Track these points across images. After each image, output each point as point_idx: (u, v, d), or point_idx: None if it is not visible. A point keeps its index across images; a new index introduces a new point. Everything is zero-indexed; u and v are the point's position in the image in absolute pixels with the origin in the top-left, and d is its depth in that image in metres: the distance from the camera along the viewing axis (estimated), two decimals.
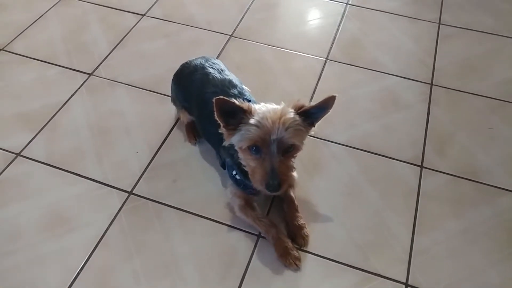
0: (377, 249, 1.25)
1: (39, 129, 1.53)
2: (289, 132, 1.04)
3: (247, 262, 1.21)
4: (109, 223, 1.29)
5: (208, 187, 1.38)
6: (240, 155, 1.11)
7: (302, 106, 1.08)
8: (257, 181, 1.07)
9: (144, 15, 2.02)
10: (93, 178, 1.40)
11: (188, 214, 1.31)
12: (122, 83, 1.70)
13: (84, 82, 1.71)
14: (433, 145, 1.51)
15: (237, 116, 1.06)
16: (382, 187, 1.39)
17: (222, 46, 1.87)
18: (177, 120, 1.56)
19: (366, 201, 1.36)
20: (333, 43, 1.90)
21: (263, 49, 1.86)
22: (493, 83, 1.74)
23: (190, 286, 1.16)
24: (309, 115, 1.09)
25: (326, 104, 1.07)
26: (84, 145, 1.49)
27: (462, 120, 1.60)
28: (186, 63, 1.43)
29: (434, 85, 1.73)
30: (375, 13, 2.07)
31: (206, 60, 1.38)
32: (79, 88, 1.68)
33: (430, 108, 1.64)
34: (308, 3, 2.12)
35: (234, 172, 1.22)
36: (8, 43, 1.86)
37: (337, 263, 1.21)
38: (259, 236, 1.26)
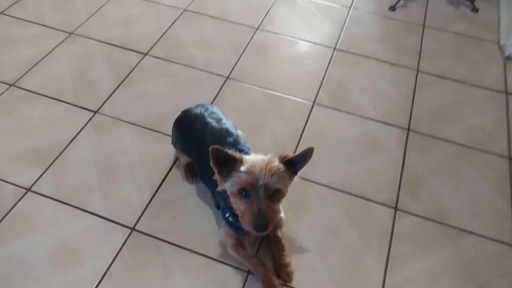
0: (354, 284, 1.40)
1: (48, 165, 1.67)
2: (275, 178, 1.18)
3: None
4: (113, 258, 1.42)
5: (204, 224, 1.53)
6: (231, 199, 1.26)
7: (286, 156, 1.23)
8: (246, 222, 1.21)
9: (146, 54, 2.17)
10: (98, 214, 1.53)
11: (185, 250, 1.45)
12: (125, 121, 1.85)
13: (90, 119, 1.85)
14: (407, 189, 1.69)
15: (230, 164, 1.21)
16: (360, 228, 1.55)
17: (219, 87, 2.03)
18: (176, 159, 1.71)
19: (346, 240, 1.52)
20: (320, 87, 2.07)
21: (257, 91, 2.03)
22: (462, 130, 1.93)
23: None
24: (292, 165, 1.24)
25: (306, 155, 1.22)
26: (90, 181, 1.63)
27: (434, 165, 1.78)
28: (187, 110, 1.57)
29: (411, 130, 1.91)
30: (359, 59, 2.25)
31: (206, 110, 1.53)
32: (85, 125, 1.82)
33: (406, 153, 1.82)
34: (299, 48, 2.30)
35: (227, 215, 1.36)
36: (18, 79, 1.99)
37: None
38: (248, 272, 1.40)
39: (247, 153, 1.35)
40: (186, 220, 1.53)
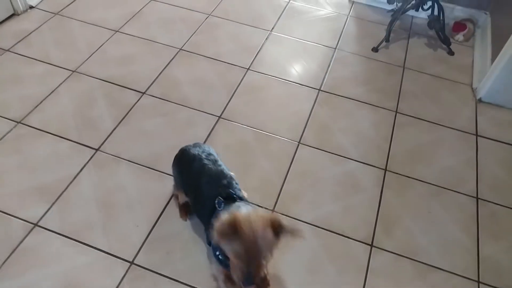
0: None
1: (53, 201, 1.80)
2: (266, 248, 1.26)
3: None
4: None
5: (198, 258, 1.67)
6: (224, 247, 1.32)
7: (278, 226, 1.28)
8: (235, 276, 1.31)
9: (144, 93, 2.34)
10: (100, 248, 1.67)
11: (179, 283, 1.59)
12: (124, 159, 2.00)
13: (92, 157, 1.99)
14: (382, 226, 1.85)
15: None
16: (338, 263, 1.71)
17: (212, 127, 2.19)
18: (171, 196, 1.86)
19: (325, 276, 1.67)
20: (305, 127, 2.25)
21: (246, 130, 2.20)
22: (435, 170, 2.11)
23: None
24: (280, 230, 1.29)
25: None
26: (92, 217, 1.77)
27: (408, 204, 1.95)
28: (185, 150, 1.65)
29: (388, 170, 2.09)
30: (342, 100, 2.44)
31: (203, 151, 1.63)
32: (87, 163, 1.97)
33: (383, 192, 1.99)
34: (286, 88, 2.47)
35: (217, 253, 1.50)
36: (25, 116, 2.14)
37: None
38: None
39: (238, 197, 1.47)
40: (180, 255, 1.68)
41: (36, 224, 1.72)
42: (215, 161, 1.61)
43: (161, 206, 1.84)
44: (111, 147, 2.05)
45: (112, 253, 1.66)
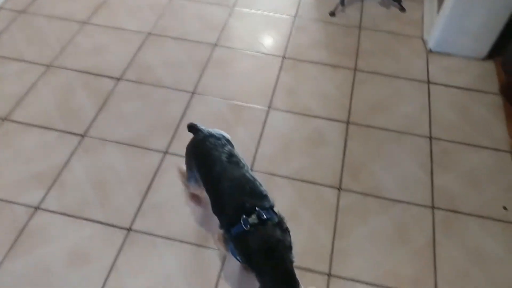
0: (310, 253, 1.79)
1: (49, 186, 1.97)
2: None
3: (218, 273, 1.72)
4: (116, 254, 1.76)
5: (188, 219, 1.88)
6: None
7: None
8: None
9: (119, 79, 2.48)
10: (99, 220, 1.86)
11: (175, 241, 1.81)
12: (110, 141, 2.17)
13: (79, 143, 2.16)
14: (348, 172, 2.08)
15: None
16: (313, 208, 1.94)
17: (187, 103, 2.36)
18: (158, 168, 2.05)
19: (302, 220, 1.90)
20: (273, 93, 2.44)
21: (219, 102, 2.38)
22: (393, 118, 2.34)
23: None
24: None
25: None
26: (87, 196, 1.95)
27: (370, 150, 2.18)
28: (205, 137, 1.54)
29: (350, 123, 2.31)
30: (305, 64, 2.63)
31: (219, 141, 1.53)
32: (76, 148, 2.13)
33: (347, 143, 2.21)
34: (253, 59, 2.64)
35: (237, 257, 1.44)
36: (9, 113, 2.27)
37: None
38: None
39: (270, 207, 1.39)
40: (172, 217, 1.88)
41: (37, 208, 1.90)
42: (237, 163, 1.48)
43: (149, 179, 2.02)
44: (96, 132, 2.21)
45: (110, 223, 1.85)
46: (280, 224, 1.35)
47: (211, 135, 1.55)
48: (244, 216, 1.31)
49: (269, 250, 1.29)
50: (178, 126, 2.25)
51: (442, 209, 1.96)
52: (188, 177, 1.68)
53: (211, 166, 1.46)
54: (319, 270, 1.75)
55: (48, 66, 2.53)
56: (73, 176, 2.02)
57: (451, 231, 1.89)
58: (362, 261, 1.79)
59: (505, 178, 2.09)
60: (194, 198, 1.92)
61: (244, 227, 1.31)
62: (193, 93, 2.42)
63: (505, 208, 1.96)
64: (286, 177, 2.05)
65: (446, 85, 2.53)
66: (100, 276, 1.70)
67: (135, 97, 2.39)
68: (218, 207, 1.46)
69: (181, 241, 1.81)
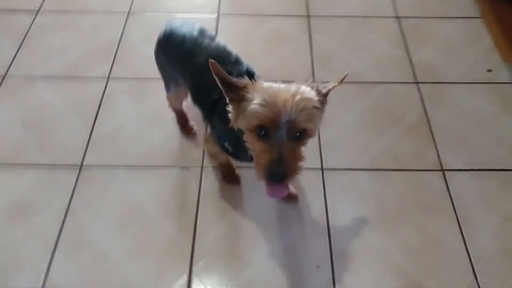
0: None
1: None
2: (304, 115, 0.90)
3: (198, 190, 1.48)
4: (70, 197, 1.46)
5: (149, 141, 1.60)
6: (246, 137, 0.99)
7: (323, 91, 0.98)
8: (260, 168, 0.94)
9: (38, 10, 2.09)
10: (41, 163, 1.54)
11: (137, 167, 1.53)
12: (38, 76, 1.81)
13: None
14: (319, 64, 1.86)
15: (235, 91, 0.96)
16: None
17: (123, 25, 2.03)
18: (102, 99, 1.73)
19: None
20: None
21: (160, 17, 2.05)
22: (355, 4, 2.12)
23: (157, 221, 1.41)
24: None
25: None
26: (21, 139, 1.61)
27: (337, 39, 1.97)
28: (172, 30, 1.31)
29: (311, 16, 2.07)
30: None
31: (193, 28, 1.29)
32: None
33: (311, 36, 1.98)
34: None
35: (226, 144, 1.18)
36: None
37: None
38: (202, 167, 1.52)
39: (255, 75, 1.14)
40: (130, 143, 1.60)
41: None
42: (212, 38, 1.28)
43: (94, 109, 1.71)
44: (19, 71, 1.84)
45: (56, 163, 1.54)
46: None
47: (182, 27, 1.32)
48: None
49: None
50: (117, 50, 1.92)
51: (427, 83, 1.80)
52: (165, 86, 1.47)
53: (182, 44, 1.26)
54: (311, 167, 1.54)
55: None
56: (1, 121, 1.67)
57: (441, 102, 1.73)
58: (354, 148, 1.60)
59: (481, 43, 1.95)
60: (185, 123, 1.62)
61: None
62: (128, 13, 2.08)
63: (489, 70, 1.83)
64: None
65: None
66: (53, 225, 1.40)
67: (61, 28, 2.02)
68: (199, 91, 1.25)
69: (146, 166, 1.54)
